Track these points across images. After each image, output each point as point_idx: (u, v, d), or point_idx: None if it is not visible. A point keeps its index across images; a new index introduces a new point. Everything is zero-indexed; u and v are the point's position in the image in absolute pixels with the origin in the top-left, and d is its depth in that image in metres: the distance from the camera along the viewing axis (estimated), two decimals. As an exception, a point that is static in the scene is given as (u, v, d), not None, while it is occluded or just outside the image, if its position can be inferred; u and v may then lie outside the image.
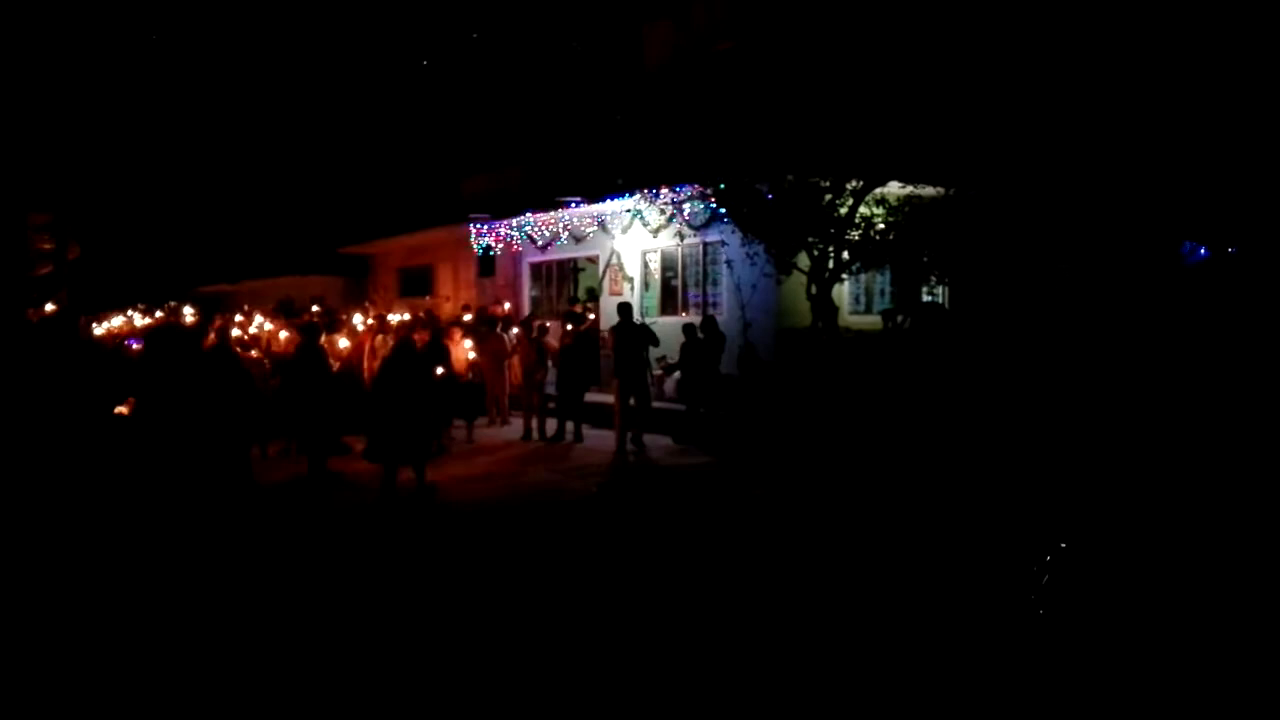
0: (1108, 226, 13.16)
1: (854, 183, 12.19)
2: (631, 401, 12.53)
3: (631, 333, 12.60)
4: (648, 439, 12.79)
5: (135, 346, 11.81)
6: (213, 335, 10.49)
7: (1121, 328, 12.03)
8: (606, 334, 14.52)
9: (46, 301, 12.40)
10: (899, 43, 12.23)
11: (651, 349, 12.97)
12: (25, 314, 12.41)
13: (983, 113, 12.33)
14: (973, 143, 12.39)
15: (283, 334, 13.59)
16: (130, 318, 19.11)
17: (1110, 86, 13.22)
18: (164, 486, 8.76)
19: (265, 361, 12.62)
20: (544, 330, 14.19)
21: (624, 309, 12.92)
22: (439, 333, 13.28)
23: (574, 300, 17.37)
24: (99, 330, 15.32)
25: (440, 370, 11.53)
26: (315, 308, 15.76)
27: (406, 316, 14.96)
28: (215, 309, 21.30)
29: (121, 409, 8.86)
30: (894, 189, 12.96)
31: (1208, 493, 8.96)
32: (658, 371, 15.37)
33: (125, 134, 27.07)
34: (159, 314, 18.51)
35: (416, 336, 11.47)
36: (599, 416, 13.67)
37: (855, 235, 12.46)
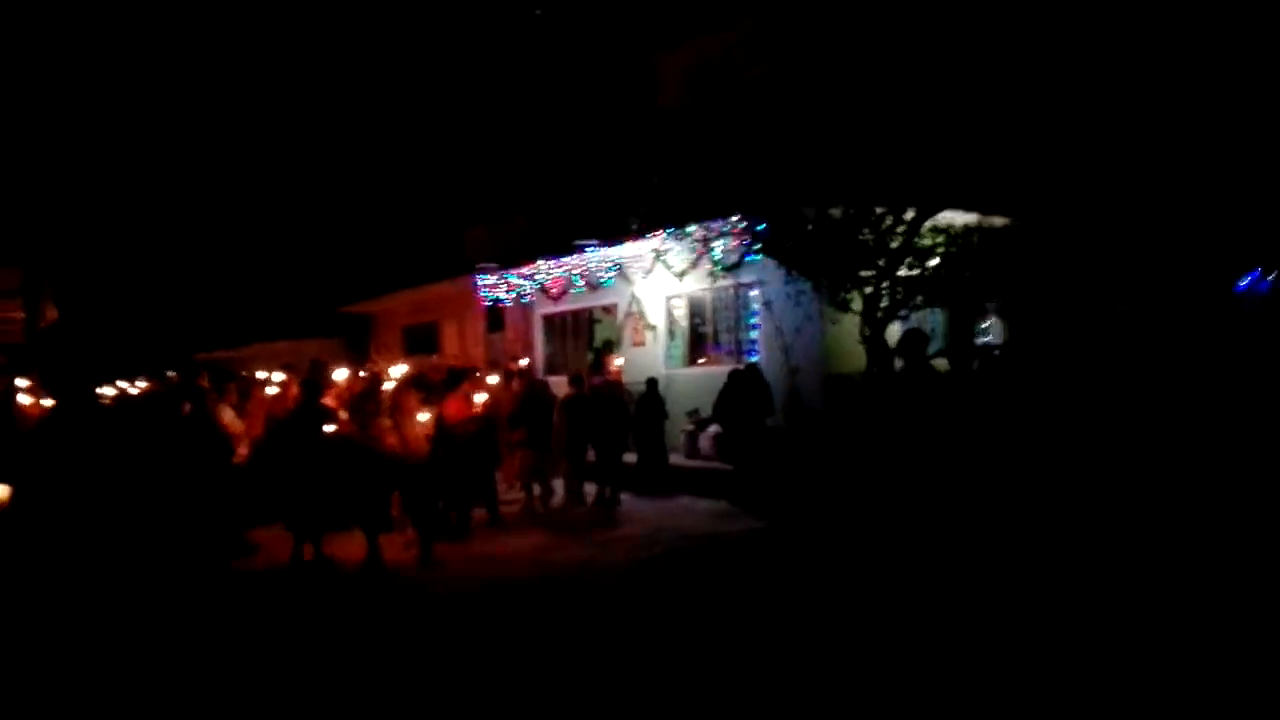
0: (1168, 265, 11.90)
1: (912, 211, 10.90)
2: None
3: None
4: (687, 501, 11.41)
5: None
6: (188, 405, 9.03)
7: (1176, 381, 10.70)
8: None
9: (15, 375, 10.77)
10: (950, 62, 11.07)
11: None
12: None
13: (1048, 137, 11.14)
14: (1041, 170, 11.19)
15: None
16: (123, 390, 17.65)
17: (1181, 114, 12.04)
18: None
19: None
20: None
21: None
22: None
23: (604, 349, 15.96)
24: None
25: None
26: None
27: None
28: (223, 378, 19.47)
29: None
30: (957, 218, 11.70)
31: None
32: (689, 426, 13.99)
33: (114, 189, 25.93)
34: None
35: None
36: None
37: (915, 269, 11.14)
